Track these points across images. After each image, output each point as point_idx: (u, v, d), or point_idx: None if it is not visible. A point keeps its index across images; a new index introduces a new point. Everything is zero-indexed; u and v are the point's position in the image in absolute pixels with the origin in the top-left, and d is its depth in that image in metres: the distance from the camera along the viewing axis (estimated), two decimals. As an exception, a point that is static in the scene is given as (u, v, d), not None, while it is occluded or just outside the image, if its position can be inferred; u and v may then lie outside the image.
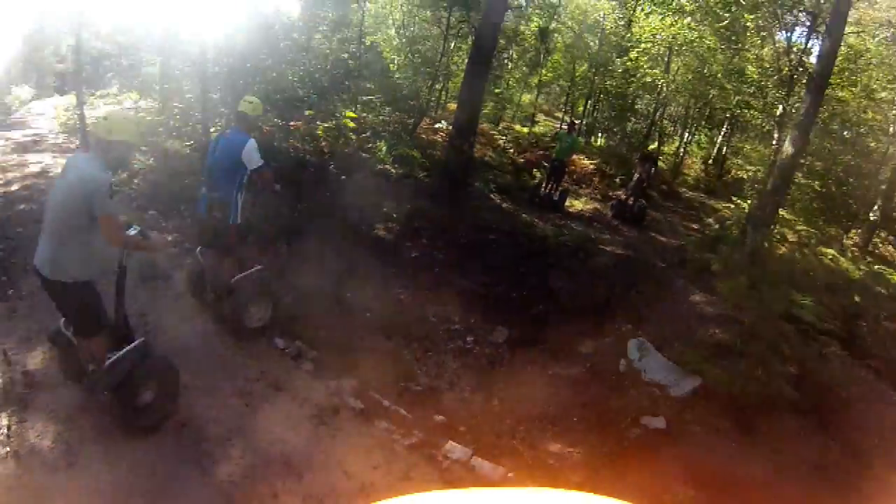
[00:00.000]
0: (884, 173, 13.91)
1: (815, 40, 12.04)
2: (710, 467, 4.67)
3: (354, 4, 14.32)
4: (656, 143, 17.08)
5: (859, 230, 13.72)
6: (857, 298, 7.63)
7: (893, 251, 14.78)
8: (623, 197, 11.63)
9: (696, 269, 8.30)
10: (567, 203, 11.40)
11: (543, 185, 11.09)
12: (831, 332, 6.00)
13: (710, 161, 19.21)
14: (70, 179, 3.35)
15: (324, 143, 10.59)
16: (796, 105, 11.65)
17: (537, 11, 17.09)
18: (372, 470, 4.21)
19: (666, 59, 15.87)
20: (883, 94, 14.15)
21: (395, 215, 7.89)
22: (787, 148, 8.43)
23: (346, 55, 14.07)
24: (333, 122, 11.47)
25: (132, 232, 3.62)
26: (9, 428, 3.85)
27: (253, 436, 4.27)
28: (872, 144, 14.02)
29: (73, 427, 3.94)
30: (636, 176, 11.65)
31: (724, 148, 18.59)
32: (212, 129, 9.41)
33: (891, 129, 14.04)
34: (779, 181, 8.44)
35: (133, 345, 3.87)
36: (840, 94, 12.38)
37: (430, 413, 5.12)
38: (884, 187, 13.45)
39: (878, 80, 13.47)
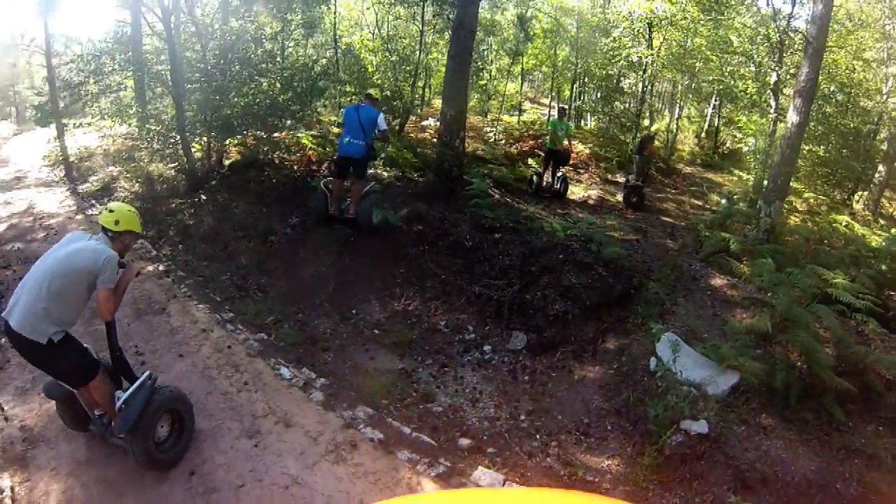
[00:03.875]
0: (882, 133, 13.63)
1: (800, 4, 11.72)
2: (760, 470, 4.34)
3: (325, 7, 13.95)
4: (647, 121, 16.77)
5: (865, 193, 13.44)
6: (884, 267, 7.30)
7: (903, 212, 14.57)
8: (632, 181, 11.15)
9: (711, 250, 7.93)
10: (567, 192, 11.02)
11: (543, 174, 10.69)
12: (866, 308, 5.65)
13: (703, 134, 18.93)
14: (76, 248, 3.47)
15: (311, 152, 10.25)
16: (791, 71, 11.38)
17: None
18: (400, 509, 3.85)
19: (647, 35, 15.53)
20: (871, 54, 13.94)
21: (391, 221, 7.45)
22: (792, 117, 8.08)
23: (324, 59, 13.75)
24: (318, 129, 11.14)
25: None
26: (13, 490, 3.68)
27: (266, 480, 3.98)
28: (868, 105, 13.75)
29: (76, 484, 3.74)
30: (637, 158, 11.22)
31: (716, 120, 18.30)
32: (193, 149, 9.09)
33: (883, 88, 13.79)
34: (788, 152, 8.07)
35: (140, 380, 3.76)
36: (831, 56, 12.10)
37: (455, 436, 4.77)
38: (884, 147, 13.15)
39: (866, 40, 13.23)
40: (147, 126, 9.19)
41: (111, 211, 3.64)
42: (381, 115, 7.25)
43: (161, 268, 7.10)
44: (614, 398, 5.19)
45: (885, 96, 13.68)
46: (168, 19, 8.71)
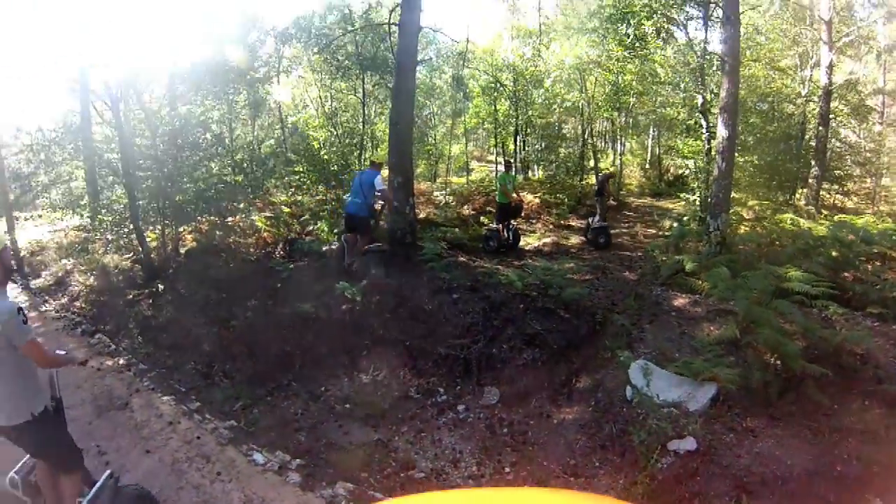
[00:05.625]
0: (808, 132, 14.42)
1: (712, 29, 12.53)
2: (758, 472, 4.25)
3: (268, 87, 14.29)
4: (592, 161, 17.33)
5: (804, 190, 14.05)
6: (834, 253, 7.52)
7: (841, 198, 15.24)
8: (597, 223, 11.36)
9: (669, 273, 8.05)
10: (521, 241, 11.18)
11: (500, 230, 10.77)
12: (823, 294, 5.80)
13: (647, 165, 19.63)
14: None
15: (265, 234, 10.19)
16: (713, 92, 12.04)
17: (448, 61, 17.40)
18: (395, 590, 3.58)
19: (579, 80, 16.33)
20: (786, 62, 14.93)
21: (349, 295, 7.36)
22: (722, 132, 8.49)
23: (272, 140, 13.97)
24: (271, 211, 11.16)
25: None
26: None
27: (251, 579, 3.63)
28: (791, 109, 14.58)
29: None
30: (598, 199, 11.47)
31: (657, 149, 19.06)
32: (148, 238, 8.95)
33: (802, 91, 14.70)
34: (724, 165, 8.43)
35: (101, 481, 3.42)
36: (749, 71, 12.90)
37: (441, 500, 4.53)
38: (813, 143, 13.90)
39: (778, 50, 14.20)
40: (99, 217, 9.04)
41: None
42: (378, 177, 7.97)
43: (121, 361, 6.76)
44: (597, 434, 5.08)
45: (804, 99, 14.58)
46: (117, 107, 8.71)
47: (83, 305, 8.37)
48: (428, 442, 5.42)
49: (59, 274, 9.52)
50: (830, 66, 13.04)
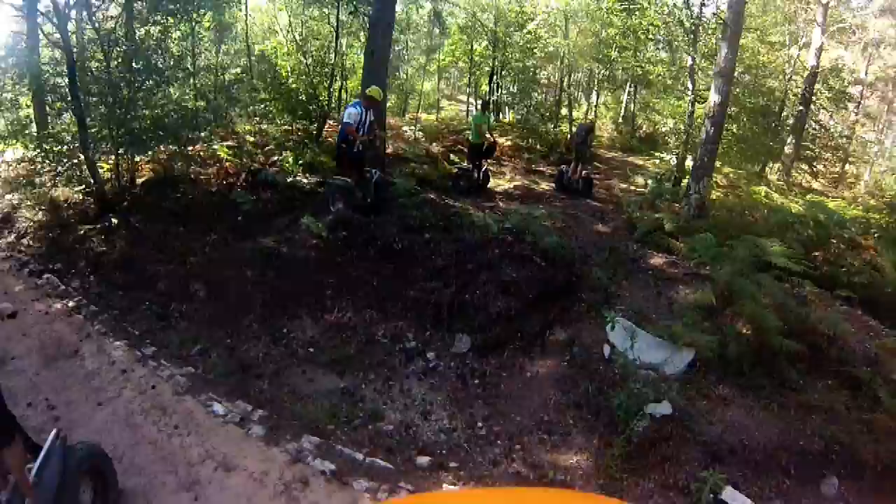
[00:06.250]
0: (788, 109, 14.49)
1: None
2: (728, 441, 4.34)
3: (236, 10, 13.22)
4: (566, 110, 17.04)
5: (777, 164, 14.21)
6: (810, 232, 7.58)
7: (811, 179, 15.57)
8: (584, 172, 11.16)
9: (646, 230, 7.96)
10: (490, 183, 10.93)
11: (471, 169, 10.47)
12: (801, 271, 5.81)
13: (620, 120, 19.44)
14: None
15: (227, 164, 9.57)
16: (704, 54, 11.79)
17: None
18: (367, 547, 3.46)
19: (563, 27, 15.77)
20: (776, 38, 14.81)
21: (314, 230, 6.99)
22: (714, 97, 8.32)
23: (237, 68, 13.02)
24: (234, 140, 10.46)
25: None
26: None
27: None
28: (775, 84, 14.55)
29: None
30: (582, 148, 11.21)
31: (632, 105, 18.83)
32: (101, 168, 8.25)
33: (787, 69, 14.65)
34: (712, 130, 8.29)
35: (48, 442, 3.06)
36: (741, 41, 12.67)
37: (412, 455, 4.42)
38: (791, 121, 13.97)
39: (770, 24, 14.03)
40: (47, 146, 8.22)
41: None
42: (349, 109, 7.15)
43: (71, 304, 6.25)
44: (572, 391, 5.02)
45: (788, 76, 14.56)
46: (65, 26, 7.78)
47: (31, 243, 7.75)
48: (396, 391, 5.25)
49: (6, 210, 8.74)
50: (820, 49, 13.06)
